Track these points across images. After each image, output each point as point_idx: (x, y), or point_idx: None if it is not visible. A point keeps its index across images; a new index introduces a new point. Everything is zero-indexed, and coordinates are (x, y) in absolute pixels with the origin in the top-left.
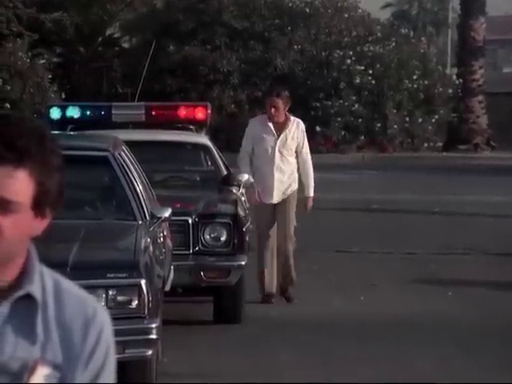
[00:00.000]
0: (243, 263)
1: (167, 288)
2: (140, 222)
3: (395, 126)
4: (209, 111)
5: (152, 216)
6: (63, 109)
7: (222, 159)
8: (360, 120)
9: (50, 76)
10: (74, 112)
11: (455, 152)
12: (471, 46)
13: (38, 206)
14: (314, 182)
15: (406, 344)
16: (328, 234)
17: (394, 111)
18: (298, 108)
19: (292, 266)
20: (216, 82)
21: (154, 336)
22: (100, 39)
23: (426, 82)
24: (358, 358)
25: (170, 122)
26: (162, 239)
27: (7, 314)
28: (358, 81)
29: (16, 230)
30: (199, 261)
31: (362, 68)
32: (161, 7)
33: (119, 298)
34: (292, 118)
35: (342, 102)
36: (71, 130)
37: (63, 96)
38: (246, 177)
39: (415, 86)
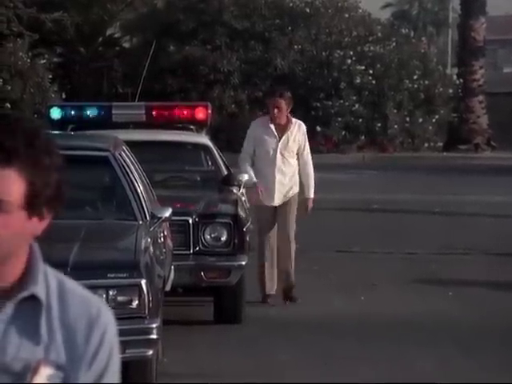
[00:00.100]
0: (243, 263)
1: (167, 288)
2: (140, 222)
3: (395, 126)
4: (209, 111)
5: (152, 216)
6: (62, 109)
7: (222, 159)
8: (360, 120)
9: (50, 76)
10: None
11: (455, 152)
12: (471, 45)
13: (31, 205)
14: (315, 182)
15: (407, 344)
16: (328, 234)
17: (395, 111)
18: (299, 108)
19: (292, 270)
20: (216, 82)
21: (154, 336)
22: (100, 39)
23: (426, 82)
24: (359, 357)
25: (171, 122)
26: (162, 239)
27: (11, 315)
28: (358, 81)
29: (7, 230)
30: (199, 261)
31: (363, 68)
32: (161, 7)
33: (119, 298)
34: (294, 120)
35: (342, 101)
36: (71, 130)
37: (64, 96)
38: (246, 177)
39: (415, 86)
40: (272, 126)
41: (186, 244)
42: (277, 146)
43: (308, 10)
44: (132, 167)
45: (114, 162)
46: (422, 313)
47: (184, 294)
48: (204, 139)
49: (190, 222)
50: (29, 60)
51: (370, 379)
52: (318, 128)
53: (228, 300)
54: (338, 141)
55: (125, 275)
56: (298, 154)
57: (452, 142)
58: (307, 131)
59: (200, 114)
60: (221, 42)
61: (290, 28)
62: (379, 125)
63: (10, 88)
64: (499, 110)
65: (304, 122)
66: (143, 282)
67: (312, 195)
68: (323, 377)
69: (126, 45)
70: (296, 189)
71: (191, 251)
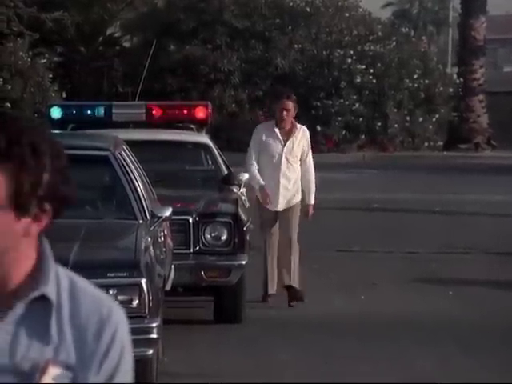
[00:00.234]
0: (244, 263)
1: (168, 287)
2: (141, 222)
3: (396, 126)
4: (209, 110)
5: (152, 215)
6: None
7: (222, 158)
8: (361, 119)
9: (50, 75)
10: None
11: (456, 151)
12: (472, 45)
13: (19, 206)
14: (315, 182)
15: (407, 343)
16: (329, 234)
17: (395, 110)
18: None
19: (296, 275)
20: (217, 82)
21: (154, 335)
22: (101, 38)
23: (426, 81)
24: (359, 357)
25: (171, 122)
26: (162, 238)
27: (21, 315)
28: (358, 80)
29: None
30: (200, 260)
31: (363, 67)
32: (161, 6)
33: (120, 298)
34: (298, 125)
35: (342, 101)
36: (72, 130)
37: (64, 95)
38: (246, 176)
39: (416, 85)
40: (277, 131)
41: (186, 243)
42: (282, 150)
43: (308, 9)
44: (132, 166)
45: (115, 162)
46: (422, 312)
47: (184, 293)
48: (204, 138)
49: (191, 221)
50: (29, 59)
51: (371, 378)
52: (319, 127)
53: (228, 299)
54: (339, 140)
55: (125, 274)
56: (300, 159)
57: (452, 142)
58: (307, 130)
59: (200, 113)
60: (221, 41)
61: (290, 27)
62: (379, 124)
63: (10, 87)
64: (499, 110)
65: (304, 121)
66: (143, 281)
67: (313, 201)
68: (323, 376)
69: (127, 44)
70: (299, 196)
71: (191, 250)
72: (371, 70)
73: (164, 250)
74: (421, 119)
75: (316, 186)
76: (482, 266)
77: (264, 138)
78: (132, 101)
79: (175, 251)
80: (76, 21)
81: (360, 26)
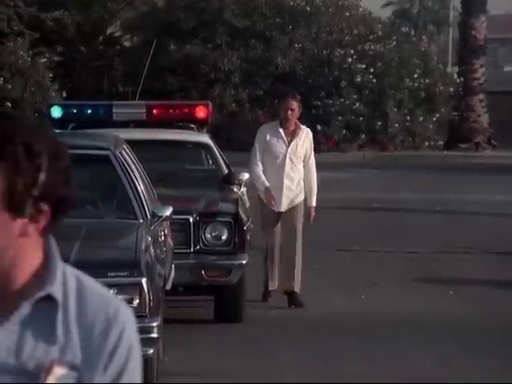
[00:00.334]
0: (244, 262)
1: (168, 287)
2: (141, 221)
3: (396, 125)
4: (210, 110)
5: (153, 215)
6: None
7: (222, 158)
8: (361, 119)
9: (50, 75)
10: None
11: (456, 151)
12: (472, 44)
13: (13, 206)
14: (317, 183)
15: (407, 343)
16: (329, 233)
17: (395, 110)
18: None
19: (298, 276)
20: (217, 81)
21: (154, 335)
22: (101, 38)
23: (426, 81)
24: (359, 356)
25: (171, 121)
26: (162, 238)
27: (27, 315)
28: (358, 79)
29: None
30: (200, 259)
31: (363, 66)
32: (162, 6)
33: (120, 297)
34: (302, 126)
35: (342, 100)
36: (72, 129)
37: (64, 95)
38: (246, 175)
39: (416, 84)
40: (281, 131)
41: (187, 243)
42: (286, 151)
43: (308, 9)
44: (133, 166)
45: (115, 161)
46: (422, 312)
47: (184, 292)
48: (204, 138)
49: (191, 220)
50: (29, 59)
51: (371, 378)
52: (319, 127)
53: (228, 299)
54: (339, 139)
55: (125, 274)
56: (303, 160)
57: (452, 141)
58: (311, 132)
59: (200, 112)
60: (221, 40)
61: (290, 27)
62: (380, 123)
63: (10, 87)
64: (500, 109)
65: (305, 120)
66: (144, 280)
67: (314, 203)
68: (324, 376)
69: (127, 44)
70: (302, 196)
71: (192, 250)
72: (371, 70)
73: (164, 249)
74: (421, 119)
75: (317, 187)
76: (482, 266)
77: (268, 137)
78: (132, 100)
79: (176, 251)
80: (76, 20)
81: (360, 25)
